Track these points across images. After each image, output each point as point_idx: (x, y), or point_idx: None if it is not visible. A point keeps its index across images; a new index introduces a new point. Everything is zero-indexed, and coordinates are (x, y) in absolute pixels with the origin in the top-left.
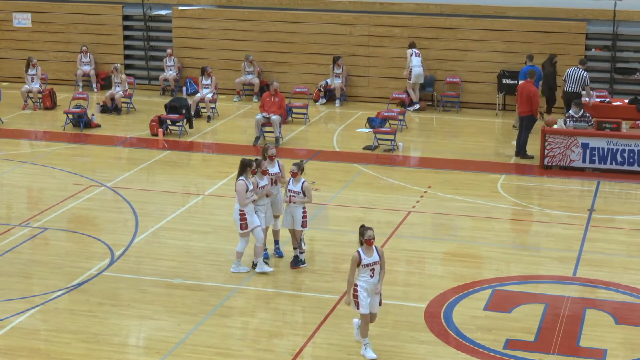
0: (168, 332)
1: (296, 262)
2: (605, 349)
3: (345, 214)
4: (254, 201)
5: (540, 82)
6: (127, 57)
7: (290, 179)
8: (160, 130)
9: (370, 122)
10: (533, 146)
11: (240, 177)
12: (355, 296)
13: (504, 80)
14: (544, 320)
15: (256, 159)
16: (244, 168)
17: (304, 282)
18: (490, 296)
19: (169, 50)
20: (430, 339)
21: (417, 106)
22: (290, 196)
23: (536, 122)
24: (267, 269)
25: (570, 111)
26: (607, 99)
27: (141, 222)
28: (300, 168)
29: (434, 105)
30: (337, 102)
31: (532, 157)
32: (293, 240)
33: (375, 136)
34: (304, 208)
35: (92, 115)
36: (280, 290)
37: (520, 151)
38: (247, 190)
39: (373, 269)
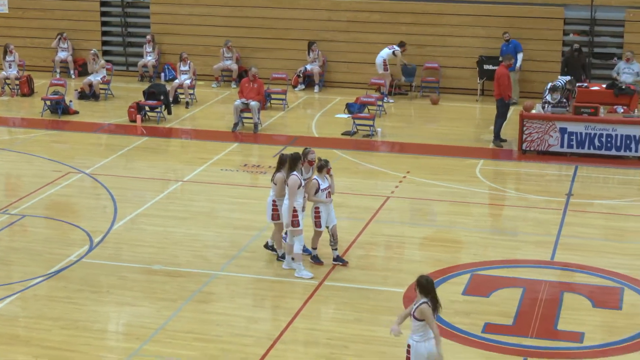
0: (147, 318)
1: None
2: (583, 332)
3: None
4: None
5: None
6: (104, 43)
7: (315, 176)
8: (138, 116)
9: (349, 107)
10: (512, 131)
11: (294, 172)
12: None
13: (485, 66)
14: (522, 304)
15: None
16: (295, 163)
17: (283, 268)
18: (469, 281)
19: (148, 37)
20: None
21: (385, 98)
22: (327, 193)
23: (509, 106)
24: (306, 274)
25: (547, 97)
26: (585, 84)
27: (120, 208)
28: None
29: (412, 90)
30: (316, 87)
31: (505, 140)
32: (316, 239)
33: (354, 122)
34: None
35: (70, 101)
36: (260, 276)
37: (494, 137)
38: (299, 186)
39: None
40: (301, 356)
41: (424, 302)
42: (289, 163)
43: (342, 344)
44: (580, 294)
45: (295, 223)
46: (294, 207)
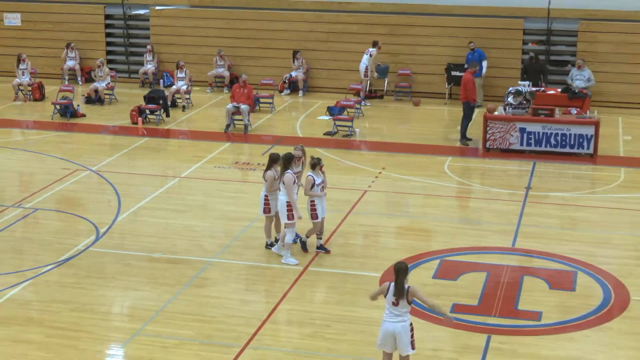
0: (149, 301)
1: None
2: (541, 311)
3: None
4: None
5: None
6: (109, 52)
7: (310, 173)
8: (139, 119)
9: (330, 110)
10: (476, 131)
11: (288, 171)
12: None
13: (453, 73)
14: (486, 287)
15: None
16: (289, 162)
17: (271, 255)
18: (438, 266)
19: (148, 47)
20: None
21: (362, 102)
22: (321, 187)
23: (474, 108)
24: (292, 261)
25: (509, 99)
26: (542, 88)
27: (123, 202)
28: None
29: (386, 94)
30: (300, 92)
31: (470, 139)
32: (312, 230)
33: (335, 123)
34: None
35: (78, 105)
36: (250, 262)
37: (461, 137)
38: (294, 183)
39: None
40: (288, 335)
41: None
42: (283, 162)
43: (325, 323)
44: (538, 277)
45: (290, 217)
46: (288, 202)
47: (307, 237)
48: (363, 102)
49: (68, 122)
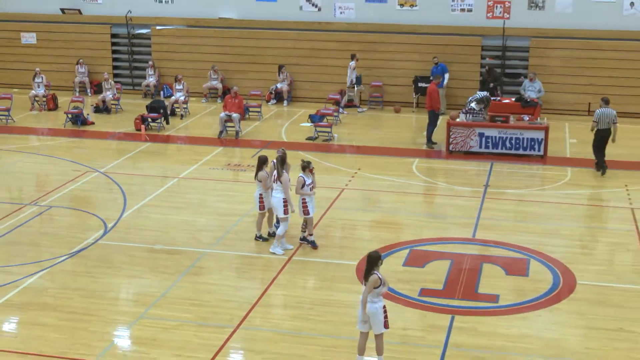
0: (151, 288)
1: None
2: (498, 294)
3: (291, 193)
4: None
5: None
6: (115, 67)
7: (301, 174)
8: (142, 126)
9: (312, 118)
10: (440, 136)
11: (284, 171)
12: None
13: (419, 84)
14: (450, 273)
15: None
16: (285, 162)
17: (261, 246)
18: (408, 255)
19: (150, 62)
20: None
21: (341, 110)
22: (311, 187)
23: (438, 116)
24: (279, 251)
25: (472, 104)
26: (498, 98)
27: (128, 200)
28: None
29: (361, 103)
30: (285, 102)
31: (435, 143)
32: (310, 226)
33: (316, 129)
34: None
35: (87, 114)
36: (242, 252)
37: (427, 141)
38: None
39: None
40: (276, 316)
41: (374, 273)
42: (281, 164)
43: (308, 306)
44: (496, 264)
45: (285, 211)
46: (284, 199)
47: (312, 235)
48: (341, 109)
49: (79, 129)
